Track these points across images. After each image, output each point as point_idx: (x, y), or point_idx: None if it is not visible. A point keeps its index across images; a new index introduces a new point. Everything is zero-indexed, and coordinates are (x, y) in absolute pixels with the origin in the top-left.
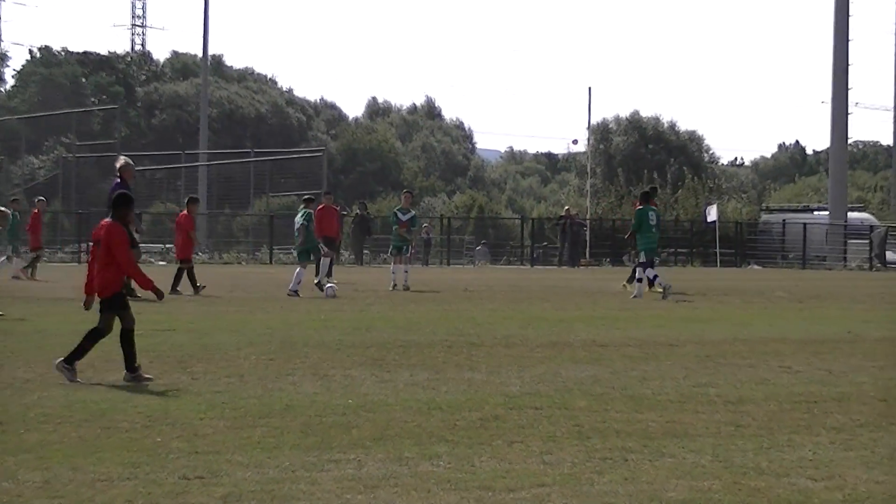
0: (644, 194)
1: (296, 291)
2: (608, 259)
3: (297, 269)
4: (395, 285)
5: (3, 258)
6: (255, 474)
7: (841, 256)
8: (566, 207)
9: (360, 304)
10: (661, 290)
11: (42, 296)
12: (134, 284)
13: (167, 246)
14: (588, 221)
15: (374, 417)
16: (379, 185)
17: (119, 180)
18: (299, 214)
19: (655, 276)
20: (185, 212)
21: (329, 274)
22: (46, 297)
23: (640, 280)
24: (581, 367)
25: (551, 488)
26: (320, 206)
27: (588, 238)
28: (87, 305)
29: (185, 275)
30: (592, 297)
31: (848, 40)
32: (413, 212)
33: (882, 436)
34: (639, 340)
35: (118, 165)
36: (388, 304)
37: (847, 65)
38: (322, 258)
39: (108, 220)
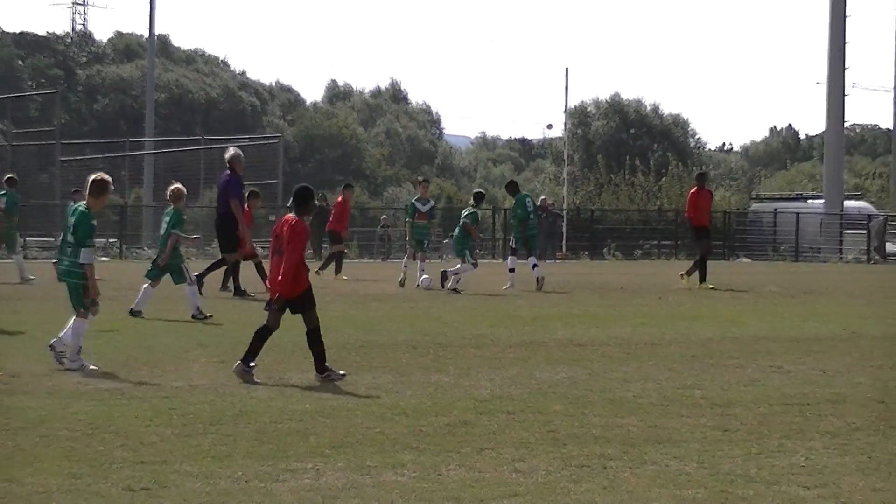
0: (699, 175)
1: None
2: (586, 252)
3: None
4: (404, 281)
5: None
6: (206, 485)
7: (837, 248)
8: (542, 197)
9: (318, 301)
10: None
11: None
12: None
13: (110, 241)
14: (565, 212)
15: (333, 423)
16: (339, 175)
17: (230, 172)
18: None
19: (535, 266)
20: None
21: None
22: None
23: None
24: (557, 368)
25: (524, 498)
26: (339, 199)
27: (565, 230)
28: (275, 303)
29: (229, 271)
30: (570, 293)
31: (845, 17)
32: (432, 202)
33: (880, 440)
34: (619, 339)
35: (228, 156)
36: (349, 302)
37: (844, 43)
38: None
39: (291, 215)
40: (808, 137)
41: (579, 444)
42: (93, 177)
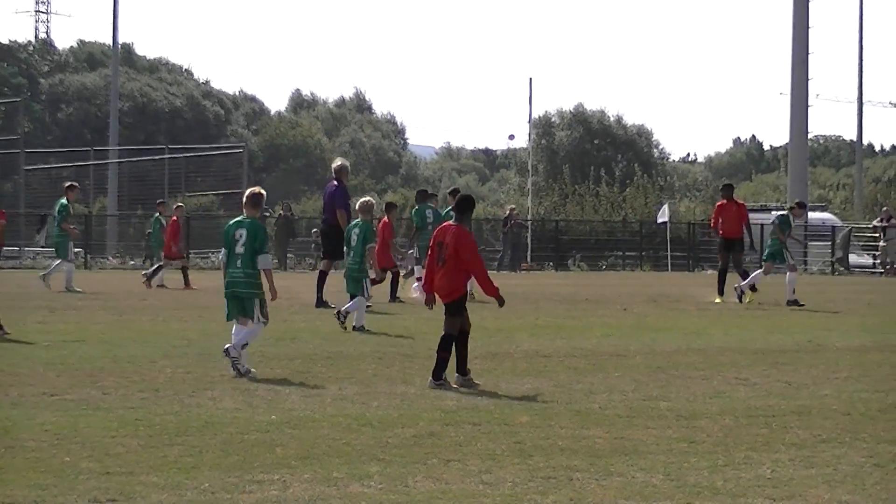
0: (725, 186)
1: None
2: (551, 263)
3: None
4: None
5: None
6: (172, 496)
7: (801, 259)
8: (510, 207)
9: (283, 312)
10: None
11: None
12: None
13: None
14: (530, 222)
15: (299, 435)
16: (304, 184)
17: (336, 183)
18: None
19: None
20: (385, 219)
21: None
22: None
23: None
24: (523, 379)
25: None
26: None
27: (529, 241)
28: (430, 304)
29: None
30: (535, 303)
31: (808, 27)
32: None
33: (846, 452)
34: (585, 351)
35: (335, 167)
36: (314, 313)
37: (807, 54)
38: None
39: (453, 223)
40: (772, 148)
41: (545, 456)
42: (250, 190)
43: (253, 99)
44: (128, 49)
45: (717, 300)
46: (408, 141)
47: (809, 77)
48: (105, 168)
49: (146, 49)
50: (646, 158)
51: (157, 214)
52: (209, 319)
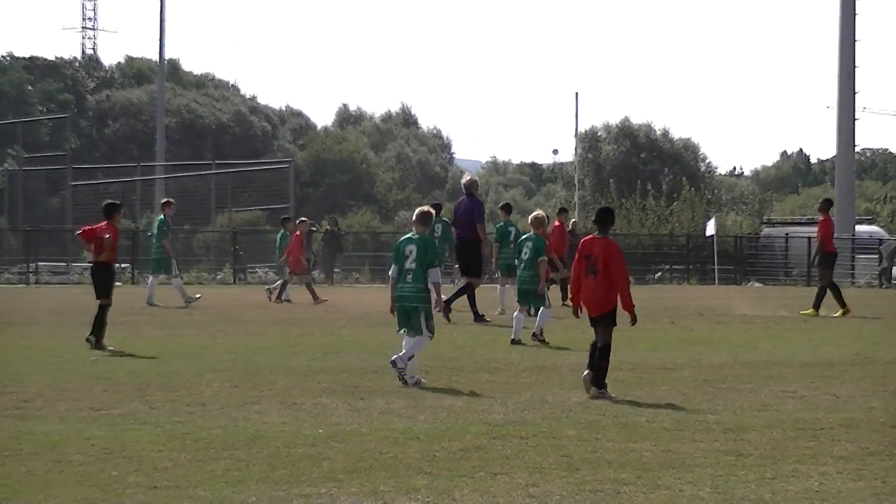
0: (825, 202)
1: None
2: None
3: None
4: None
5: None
6: None
7: (849, 273)
8: (573, 220)
9: (331, 326)
10: None
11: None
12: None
13: (122, 266)
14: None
15: (346, 448)
16: (350, 199)
17: (469, 197)
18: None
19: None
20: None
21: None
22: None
23: None
24: (569, 392)
25: None
26: (556, 224)
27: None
28: (577, 314)
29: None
30: (581, 318)
31: (854, 41)
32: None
33: (894, 465)
34: (632, 364)
35: (466, 182)
36: (362, 326)
37: (854, 67)
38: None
39: (598, 236)
40: (819, 162)
41: (593, 469)
42: (420, 209)
43: (299, 114)
44: (174, 65)
45: (812, 312)
46: (454, 155)
47: (856, 90)
48: (152, 184)
49: (193, 65)
50: (692, 172)
51: (283, 230)
52: (255, 334)
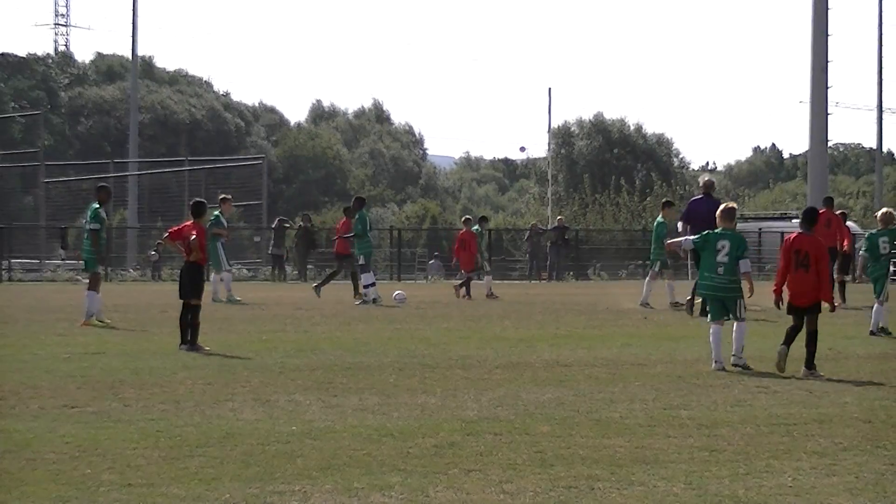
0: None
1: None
2: (571, 272)
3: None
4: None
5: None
6: None
7: None
8: (559, 217)
9: (304, 323)
10: None
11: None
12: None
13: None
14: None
15: (320, 445)
16: (324, 195)
17: (706, 196)
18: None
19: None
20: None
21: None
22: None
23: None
24: (543, 389)
25: None
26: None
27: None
28: (778, 304)
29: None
30: (556, 313)
31: (827, 35)
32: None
33: (867, 460)
34: (605, 360)
35: (706, 181)
36: (335, 323)
37: (826, 62)
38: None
39: (806, 233)
40: (792, 156)
41: (567, 465)
42: (726, 205)
43: (273, 110)
44: (147, 61)
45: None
46: (427, 151)
47: (829, 85)
48: (125, 180)
49: (166, 61)
50: (666, 167)
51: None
52: (228, 332)
